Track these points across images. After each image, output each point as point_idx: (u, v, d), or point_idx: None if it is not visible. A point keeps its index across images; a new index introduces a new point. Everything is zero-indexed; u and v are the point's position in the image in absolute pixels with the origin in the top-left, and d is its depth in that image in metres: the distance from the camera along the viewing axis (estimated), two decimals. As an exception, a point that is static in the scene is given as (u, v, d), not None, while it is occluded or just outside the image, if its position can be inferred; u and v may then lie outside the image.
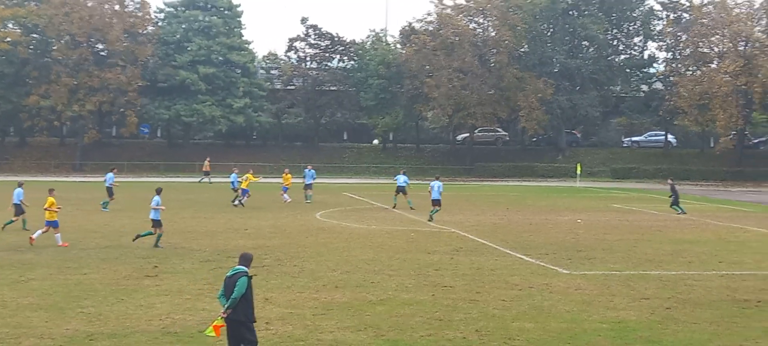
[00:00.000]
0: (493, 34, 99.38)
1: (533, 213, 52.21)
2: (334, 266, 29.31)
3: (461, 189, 75.12)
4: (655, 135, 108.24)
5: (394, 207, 52.57)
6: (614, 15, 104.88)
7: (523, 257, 32.37)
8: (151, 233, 33.97)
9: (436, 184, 47.34)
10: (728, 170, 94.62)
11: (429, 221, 44.76)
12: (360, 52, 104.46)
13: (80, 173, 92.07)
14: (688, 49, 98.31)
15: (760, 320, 21.69)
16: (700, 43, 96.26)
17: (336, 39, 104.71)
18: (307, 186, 57.42)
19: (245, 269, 15.92)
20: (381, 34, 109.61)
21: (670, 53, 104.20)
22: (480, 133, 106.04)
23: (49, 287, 24.52)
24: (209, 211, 49.80)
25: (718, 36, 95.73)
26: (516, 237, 38.86)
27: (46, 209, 34.04)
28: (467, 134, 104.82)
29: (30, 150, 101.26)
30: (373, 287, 25.46)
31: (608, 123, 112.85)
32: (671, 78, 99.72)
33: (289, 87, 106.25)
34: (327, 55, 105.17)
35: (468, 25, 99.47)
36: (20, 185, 40.64)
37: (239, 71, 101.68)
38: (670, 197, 53.32)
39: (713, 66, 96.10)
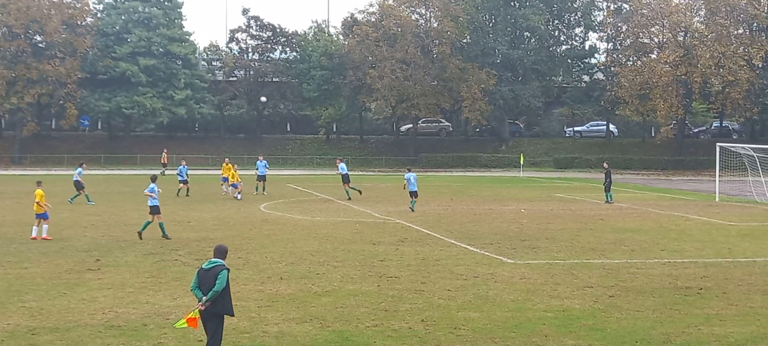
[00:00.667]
0: (435, 25, 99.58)
1: (477, 203, 52.37)
2: (279, 257, 29.16)
3: (404, 180, 75.08)
4: (597, 125, 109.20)
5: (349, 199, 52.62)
6: (555, 6, 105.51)
7: (467, 246, 32.43)
8: (149, 223, 33.72)
9: (411, 176, 47.03)
10: (669, 159, 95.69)
11: (412, 211, 44.79)
12: (302, 43, 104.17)
13: (19, 166, 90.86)
14: (628, 40, 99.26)
15: (701, 307, 21.91)
16: (640, 34, 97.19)
17: (278, 30, 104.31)
18: (260, 177, 56.88)
19: (222, 261, 15.84)
20: (323, 26, 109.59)
21: (610, 44, 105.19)
22: (423, 124, 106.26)
23: (-11, 282, 24.15)
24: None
25: (657, 26, 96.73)
26: (460, 227, 38.95)
27: (36, 203, 33.57)
28: (411, 125, 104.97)
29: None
30: (318, 278, 25.36)
31: (550, 113, 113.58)
32: (612, 68, 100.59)
33: (231, 79, 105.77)
34: (269, 46, 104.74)
35: (410, 16, 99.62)
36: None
37: (180, 63, 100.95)
38: (604, 183, 53.64)
39: (653, 56, 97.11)
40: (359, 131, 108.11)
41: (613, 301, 22.58)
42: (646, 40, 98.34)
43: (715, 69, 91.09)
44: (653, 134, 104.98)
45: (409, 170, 48.99)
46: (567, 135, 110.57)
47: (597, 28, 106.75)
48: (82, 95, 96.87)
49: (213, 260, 15.91)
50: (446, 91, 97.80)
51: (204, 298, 15.52)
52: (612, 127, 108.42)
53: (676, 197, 58.97)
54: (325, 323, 19.74)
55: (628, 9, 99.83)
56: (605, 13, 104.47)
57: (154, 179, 34.95)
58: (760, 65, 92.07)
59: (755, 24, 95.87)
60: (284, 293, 23.20)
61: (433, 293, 23.28)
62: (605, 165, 54.91)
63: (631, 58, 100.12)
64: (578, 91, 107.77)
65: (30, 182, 51.08)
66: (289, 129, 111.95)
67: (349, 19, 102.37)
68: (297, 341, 18.25)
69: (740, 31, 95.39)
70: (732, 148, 60.12)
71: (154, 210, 33.86)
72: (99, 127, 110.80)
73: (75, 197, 49.22)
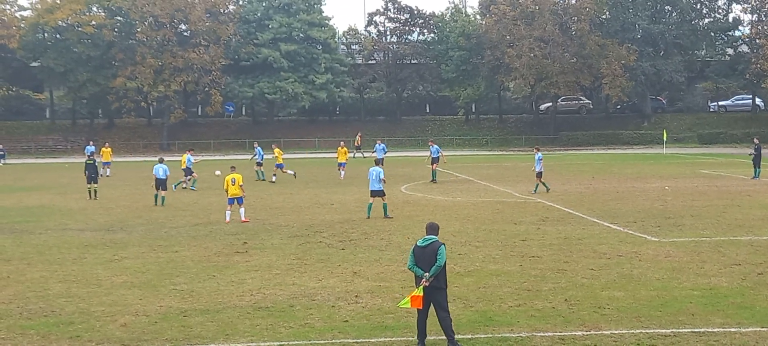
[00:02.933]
0: (573, 1, 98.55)
1: (619, 181, 51.75)
2: (421, 238, 29.34)
3: (546, 159, 74.46)
4: (742, 99, 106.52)
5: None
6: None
7: (610, 225, 32.13)
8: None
9: (538, 155, 45.74)
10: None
11: (547, 191, 44.23)
12: (440, 24, 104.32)
13: (167, 152, 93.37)
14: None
15: None
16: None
17: (415, 12, 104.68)
18: (379, 161, 56.99)
19: (436, 237, 16.46)
20: (460, 6, 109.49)
21: (755, 15, 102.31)
22: (563, 102, 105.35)
23: (142, 265, 24.99)
24: (295, 187, 50.19)
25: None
26: (603, 205, 38.58)
27: (238, 186, 35.10)
28: (550, 103, 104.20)
29: (118, 131, 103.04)
30: (461, 258, 25.48)
31: (694, 88, 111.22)
32: (757, 40, 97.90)
33: (370, 62, 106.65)
34: (407, 28, 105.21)
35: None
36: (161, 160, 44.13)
37: (320, 47, 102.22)
38: (751, 155, 52.23)
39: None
40: (498, 111, 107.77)
41: (762, 278, 22.12)
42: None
43: None
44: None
45: (538, 150, 46.68)
46: (711, 110, 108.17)
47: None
48: (226, 82, 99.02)
49: (427, 237, 16.48)
50: (586, 68, 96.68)
51: (427, 274, 16.09)
52: (758, 100, 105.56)
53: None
54: (468, 303, 19.85)
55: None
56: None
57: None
58: None
59: None
60: (426, 273, 23.36)
61: (575, 272, 23.17)
62: (756, 140, 53.51)
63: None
64: (722, 64, 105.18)
65: (180, 168, 52.54)
66: (428, 110, 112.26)
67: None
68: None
69: None
70: None
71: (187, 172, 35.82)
72: (243, 112, 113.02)
73: (178, 184, 49.55)
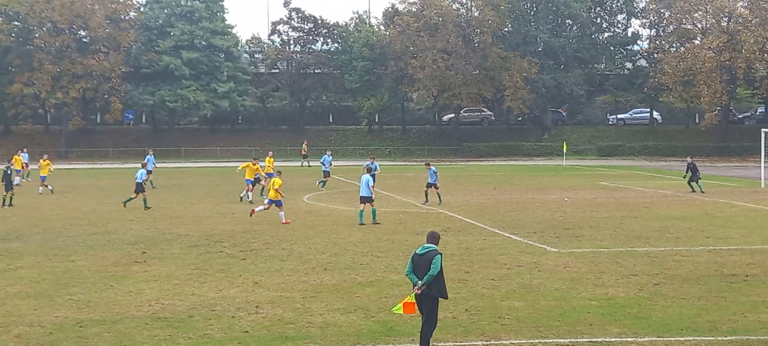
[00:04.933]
0: (476, 14, 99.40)
1: (520, 192, 52.27)
2: (323, 248, 29.29)
3: (448, 169, 75.12)
4: (640, 112, 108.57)
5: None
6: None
7: (511, 236, 32.41)
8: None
9: (432, 169, 45.13)
10: (714, 146, 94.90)
11: (439, 202, 44.04)
12: (343, 34, 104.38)
13: (66, 160, 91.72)
14: (671, 26, 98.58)
15: (748, 295, 21.77)
16: (683, 20, 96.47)
17: (319, 22, 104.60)
18: (326, 173, 56.68)
19: (435, 246, 16.60)
20: (364, 16, 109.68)
21: (653, 30, 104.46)
22: (466, 114, 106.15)
23: (38, 275, 24.44)
24: (196, 196, 49.67)
25: (700, 12, 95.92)
26: (503, 216, 38.91)
27: (274, 190, 36.55)
28: (453, 115, 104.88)
29: (14, 138, 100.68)
30: (362, 268, 25.46)
31: (593, 101, 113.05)
32: (655, 55, 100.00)
33: (273, 71, 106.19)
34: (310, 38, 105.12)
35: (451, 6, 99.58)
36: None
37: (223, 56, 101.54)
38: (686, 174, 51.69)
39: (697, 42, 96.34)
40: (401, 121, 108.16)
41: (658, 289, 22.49)
42: (689, 26, 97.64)
43: (759, 54, 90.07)
44: (697, 121, 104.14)
45: (429, 166, 45.46)
46: (610, 122, 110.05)
47: (639, 14, 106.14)
48: (127, 89, 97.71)
49: (426, 245, 16.67)
50: (488, 80, 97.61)
51: (419, 282, 16.26)
52: (655, 114, 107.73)
53: (722, 183, 58.48)
54: (370, 313, 19.82)
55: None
56: (648, 0, 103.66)
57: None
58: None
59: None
60: (328, 283, 23.31)
61: (476, 282, 23.29)
62: (688, 159, 53.62)
63: (674, 45, 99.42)
64: (621, 78, 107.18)
65: (76, 176, 51.72)
66: (331, 120, 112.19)
67: (390, 9, 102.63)
68: (342, 331, 18.35)
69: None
70: (778, 134, 59.53)
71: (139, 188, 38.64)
72: (143, 120, 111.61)
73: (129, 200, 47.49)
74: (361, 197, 36.71)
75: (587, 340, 17.56)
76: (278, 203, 36.53)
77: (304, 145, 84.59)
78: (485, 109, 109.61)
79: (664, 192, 51.67)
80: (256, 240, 31.29)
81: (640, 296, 21.68)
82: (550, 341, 17.58)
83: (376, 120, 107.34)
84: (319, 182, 55.23)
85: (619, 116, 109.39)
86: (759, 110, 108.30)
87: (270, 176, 53.78)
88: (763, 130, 59.76)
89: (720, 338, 17.69)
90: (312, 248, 29.46)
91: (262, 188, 47.35)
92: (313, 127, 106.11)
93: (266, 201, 37.50)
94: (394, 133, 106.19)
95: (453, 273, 24.50)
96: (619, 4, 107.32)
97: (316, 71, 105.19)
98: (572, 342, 17.45)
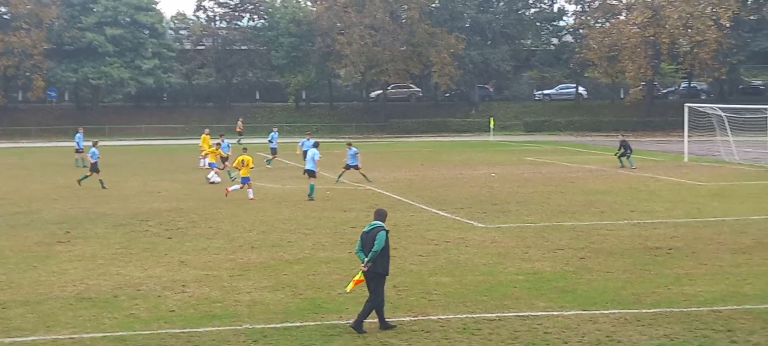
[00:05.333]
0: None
1: (448, 168, 52.45)
2: (250, 226, 29.14)
3: (375, 146, 75.14)
4: (566, 87, 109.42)
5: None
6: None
7: (438, 212, 32.51)
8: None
9: (352, 150, 44.87)
10: (638, 121, 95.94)
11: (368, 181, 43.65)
12: (270, 10, 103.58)
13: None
14: (596, 2, 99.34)
15: (671, 267, 22.09)
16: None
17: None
18: (273, 150, 56.39)
19: (382, 223, 16.83)
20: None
21: (579, 6, 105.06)
22: (393, 90, 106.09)
23: (-42, 257, 23.99)
24: (121, 174, 49.04)
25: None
26: (431, 192, 39.01)
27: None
28: (380, 91, 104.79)
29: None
30: (290, 246, 25.38)
31: (520, 77, 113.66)
32: (581, 31, 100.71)
33: (198, 47, 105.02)
34: (236, 14, 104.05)
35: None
36: (94, 144, 43.18)
37: (147, 32, 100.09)
38: (619, 150, 52.07)
39: (622, 18, 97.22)
40: (329, 98, 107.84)
41: (583, 263, 22.72)
42: (614, 2, 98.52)
43: (683, 29, 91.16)
44: (622, 96, 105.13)
45: (350, 146, 45.29)
46: (536, 98, 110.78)
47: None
48: (49, 67, 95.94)
49: (373, 222, 16.98)
50: (415, 56, 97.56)
51: (366, 259, 16.51)
52: (581, 89, 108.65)
53: (646, 157, 59.24)
54: (297, 291, 19.76)
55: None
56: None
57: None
58: (727, 25, 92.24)
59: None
60: (256, 261, 23.19)
61: (404, 258, 23.31)
62: (621, 136, 53.75)
63: (599, 20, 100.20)
64: (547, 54, 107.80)
65: (-2, 155, 50.75)
66: (258, 97, 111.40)
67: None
68: (269, 309, 18.26)
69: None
70: (700, 109, 60.39)
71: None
72: (66, 98, 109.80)
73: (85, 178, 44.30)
74: (305, 170, 37.71)
75: (514, 314, 17.68)
76: (247, 180, 37.10)
77: (239, 122, 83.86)
78: (413, 86, 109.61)
79: (589, 167, 52.21)
80: (182, 219, 31.01)
81: (566, 270, 21.89)
82: (478, 316, 17.66)
83: (303, 97, 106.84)
84: (267, 160, 54.82)
85: (545, 92, 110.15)
86: (682, 85, 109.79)
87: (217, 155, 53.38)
88: (686, 105, 60.65)
89: (644, 311, 17.92)
90: (239, 226, 29.29)
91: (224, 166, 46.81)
92: (239, 104, 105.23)
93: (241, 180, 37.69)
94: (321, 110, 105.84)
95: (381, 250, 24.50)
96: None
97: (242, 48, 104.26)
98: (499, 316, 17.55)
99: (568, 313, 17.81)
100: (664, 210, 32.66)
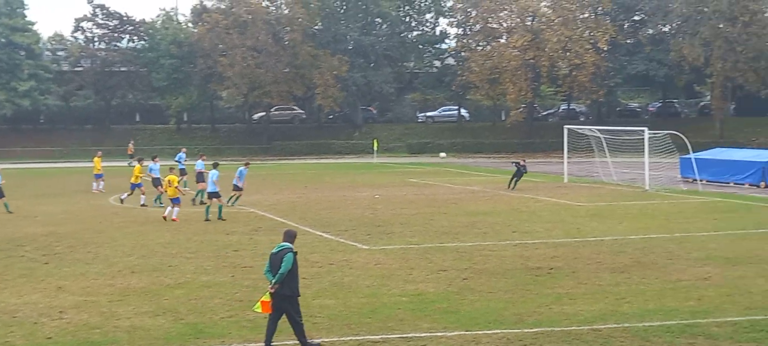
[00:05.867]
0: (286, 11, 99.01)
1: (332, 190, 52.38)
2: (130, 250, 28.62)
3: (259, 168, 74.60)
4: (449, 109, 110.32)
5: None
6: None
7: (322, 234, 32.40)
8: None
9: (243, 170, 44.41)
10: (519, 142, 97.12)
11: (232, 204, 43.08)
12: (150, 31, 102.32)
13: None
14: (478, 25, 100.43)
15: (552, 287, 22.37)
16: (490, 19, 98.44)
17: (125, 18, 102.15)
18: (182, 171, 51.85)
19: (290, 245, 16.70)
20: (172, 13, 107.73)
21: (461, 29, 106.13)
22: (276, 112, 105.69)
23: None
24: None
25: (506, 11, 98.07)
26: (315, 215, 38.88)
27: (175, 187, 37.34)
28: (263, 113, 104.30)
29: None
30: (171, 270, 24.99)
31: (403, 99, 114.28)
32: (462, 53, 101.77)
33: (77, 69, 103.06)
34: (116, 35, 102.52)
35: (261, 3, 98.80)
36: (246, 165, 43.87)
37: (24, 53, 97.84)
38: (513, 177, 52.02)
39: (502, 41, 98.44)
40: (211, 120, 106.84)
41: (466, 283, 22.85)
42: (495, 25, 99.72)
43: (562, 53, 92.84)
44: (503, 118, 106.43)
45: (247, 165, 44.81)
46: (419, 120, 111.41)
47: (447, 13, 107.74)
48: None
49: (281, 243, 16.99)
50: (299, 78, 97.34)
51: (273, 280, 16.54)
52: (463, 111, 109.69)
53: (527, 179, 59.87)
54: (179, 316, 19.46)
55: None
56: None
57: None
58: (605, 48, 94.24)
59: (600, 8, 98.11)
60: (136, 286, 22.78)
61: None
62: (521, 162, 53.71)
63: (480, 43, 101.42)
64: (430, 76, 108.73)
65: None
66: (138, 119, 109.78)
67: (198, 6, 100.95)
68: (150, 334, 17.93)
69: (586, 15, 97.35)
70: (579, 130, 61.43)
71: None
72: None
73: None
74: (208, 193, 37.85)
75: (398, 336, 17.67)
76: (176, 201, 37.12)
77: (130, 144, 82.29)
78: (296, 108, 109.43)
79: (472, 188, 52.67)
80: (59, 243, 30.30)
81: (449, 290, 21.99)
82: (362, 338, 17.63)
83: (185, 119, 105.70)
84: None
85: (428, 114, 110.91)
86: (562, 107, 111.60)
87: (99, 176, 52.09)
88: (565, 126, 61.62)
89: (525, 330, 18.09)
90: (119, 250, 28.75)
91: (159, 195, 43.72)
92: (119, 127, 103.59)
93: (172, 201, 37.39)
94: (203, 132, 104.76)
95: (263, 273, 24.28)
96: (427, 3, 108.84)
97: (122, 69, 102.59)
98: (384, 338, 17.53)
99: (452, 334, 17.88)
100: (544, 230, 33.10)
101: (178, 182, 39.25)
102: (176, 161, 56.46)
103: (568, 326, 18.49)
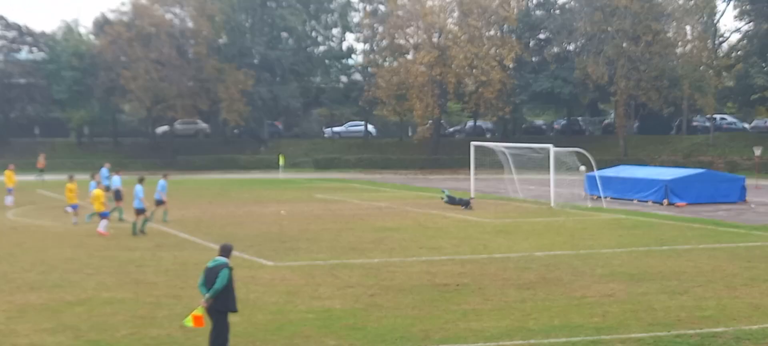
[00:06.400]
0: (190, 25, 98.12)
1: (237, 206, 51.91)
2: (29, 266, 27.92)
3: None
4: (356, 125, 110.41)
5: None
6: (312, 6, 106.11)
7: (227, 249, 31.95)
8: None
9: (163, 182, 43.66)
10: (427, 158, 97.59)
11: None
12: (51, 43, 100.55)
13: None
14: (384, 41, 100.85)
15: (459, 303, 22.35)
16: (396, 35, 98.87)
17: (24, 30, 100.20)
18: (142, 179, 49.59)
19: (226, 260, 16.54)
20: (73, 25, 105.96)
21: (367, 44, 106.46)
22: (180, 126, 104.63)
23: None
24: None
25: (413, 27, 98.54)
26: (220, 230, 38.44)
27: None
28: (167, 127, 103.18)
29: None
30: (72, 286, 24.43)
31: (309, 114, 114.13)
32: (369, 69, 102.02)
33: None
34: (15, 46, 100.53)
35: (164, 16, 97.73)
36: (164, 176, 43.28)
37: None
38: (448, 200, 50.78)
39: (409, 57, 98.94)
40: (114, 133, 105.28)
41: (373, 300, 22.73)
42: (402, 42, 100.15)
43: (468, 69, 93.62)
44: (410, 134, 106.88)
45: (166, 176, 44.83)
46: (326, 136, 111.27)
47: (354, 29, 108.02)
48: None
49: (217, 258, 16.94)
50: (203, 92, 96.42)
51: (207, 295, 16.46)
52: (370, 127, 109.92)
53: (434, 195, 60.15)
54: (80, 333, 19.01)
55: (384, 10, 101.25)
56: (362, 15, 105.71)
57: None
58: (511, 66, 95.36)
59: (506, 26, 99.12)
60: (35, 303, 22.19)
61: (192, 298, 22.69)
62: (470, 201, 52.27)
63: (387, 59, 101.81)
64: (336, 91, 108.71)
65: None
66: (38, 132, 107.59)
67: (100, 18, 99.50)
68: (48, 353, 17.42)
69: (492, 33, 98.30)
70: (486, 147, 61.84)
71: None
72: None
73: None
74: (135, 209, 37.08)
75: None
76: (105, 215, 36.98)
77: (41, 157, 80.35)
78: (201, 122, 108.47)
79: (378, 204, 52.63)
80: (-46, 259, 29.42)
81: (356, 307, 21.84)
82: (267, 356, 17.35)
83: (86, 132, 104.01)
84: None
85: (334, 129, 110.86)
86: (468, 124, 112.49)
87: (10, 190, 50.74)
88: (472, 143, 61.93)
89: (433, 347, 18.00)
90: (17, 266, 28.03)
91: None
92: (18, 140, 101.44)
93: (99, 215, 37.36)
94: (105, 146, 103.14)
95: (167, 289, 23.94)
96: (334, 18, 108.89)
97: (21, 81, 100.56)
98: (289, 356, 17.28)
99: (359, 351, 17.71)
100: (451, 247, 33.14)
101: (104, 198, 38.56)
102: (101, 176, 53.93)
103: (475, 342, 18.47)
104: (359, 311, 21.36)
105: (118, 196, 44.17)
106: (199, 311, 16.63)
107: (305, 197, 59.05)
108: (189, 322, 16.82)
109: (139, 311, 21.19)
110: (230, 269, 16.64)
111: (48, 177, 69.18)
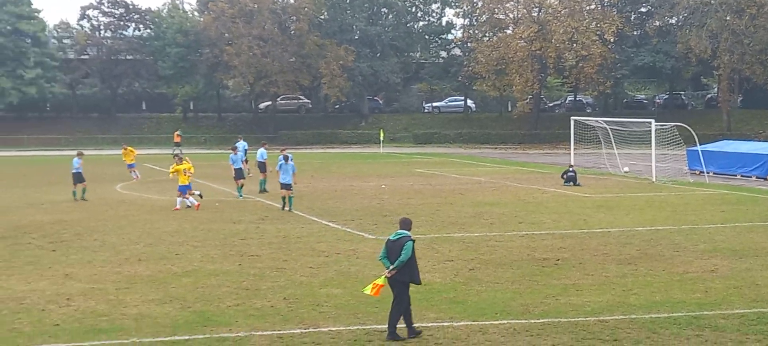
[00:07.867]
0: (292, 1, 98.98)
1: (338, 180, 52.38)
2: (137, 238, 28.63)
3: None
4: (455, 100, 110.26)
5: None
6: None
7: (329, 223, 32.40)
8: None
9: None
10: (526, 133, 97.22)
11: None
12: (156, 20, 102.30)
13: None
14: (484, 16, 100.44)
15: (559, 278, 22.34)
16: (496, 10, 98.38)
17: (130, 7, 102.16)
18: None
19: (408, 232, 16.99)
20: (178, 2, 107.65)
21: (467, 19, 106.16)
22: (282, 101, 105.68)
23: None
24: (3, 186, 47.83)
25: (512, 2, 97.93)
26: (322, 204, 38.89)
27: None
28: (270, 102, 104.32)
29: None
30: (178, 258, 24.99)
31: (409, 89, 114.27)
32: (469, 44, 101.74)
33: (83, 57, 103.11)
34: (122, 23, 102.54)
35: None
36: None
37: (30, 41, 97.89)
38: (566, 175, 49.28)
39: (509, 32, 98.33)
40: (217, 109, 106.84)
41: (473, 274, 22.83)
42: (501, 16, 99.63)
43: (568, 44, 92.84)
44: (510, 109, 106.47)
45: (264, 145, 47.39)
46: (426, 110, 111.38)
47: (453, 4, 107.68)
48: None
49: (399, 231, 17.20)
50: (305, 67, 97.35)
51: (391, 266, 16.81)
52: (470, 102, 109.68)
53: (533, 170, 60.02)
54: (186, 304, 19.45)
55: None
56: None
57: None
58: (612, 40, 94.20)
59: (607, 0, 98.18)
60: (143, 274, 22.79)
61: (295, 270, 23.16)
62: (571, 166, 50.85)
63: (487, 34, 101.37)
64: (436, 66, 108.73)
65: None
66: (144, 107, 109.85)
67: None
68: (157, 322, 17.93)
69: (592, 7, 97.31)
70: (586, 122, 61.34)
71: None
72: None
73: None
74: (281, 183, 36.99)
75: (405, 325, 17.64)
76: (187, 188, 37.47)
77: (176, 133, 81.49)
78: (302, 97, 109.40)
79: (478, 179, 52.64)
80: (66, 231, 30.32)
81: (456, 281, 21.97)
82: (369, 327, 17.61)
83: (191, 107, 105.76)
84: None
85: (434, 104, 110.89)
86: (568, 99, 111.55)
87: (131, 166, 51.98)
88: (572, 117, 61.54)
89: (532, 321, 18.07)
90: (125, 238, 28.76)
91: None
92: (125, 115, 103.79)
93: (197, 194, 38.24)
94: (209, 121, 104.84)
95: (271, 262, 24.35)
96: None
97: (128, 57, 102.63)
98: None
99: (458, 324, 17.87)
100: (551, 222, 33.07)
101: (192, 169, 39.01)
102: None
103: (575, 317, 18.47)
104: (459, 285, 21.50)
105: (262, 168, 45.34)
106: (381, 281, 17.04)
107: (405, 171, 59.30)
108: (368, 289, 17.28)
109: (244, 283, 21.61)
110: (413, 241, 16.98)
111: (156, 151, 70.22)
